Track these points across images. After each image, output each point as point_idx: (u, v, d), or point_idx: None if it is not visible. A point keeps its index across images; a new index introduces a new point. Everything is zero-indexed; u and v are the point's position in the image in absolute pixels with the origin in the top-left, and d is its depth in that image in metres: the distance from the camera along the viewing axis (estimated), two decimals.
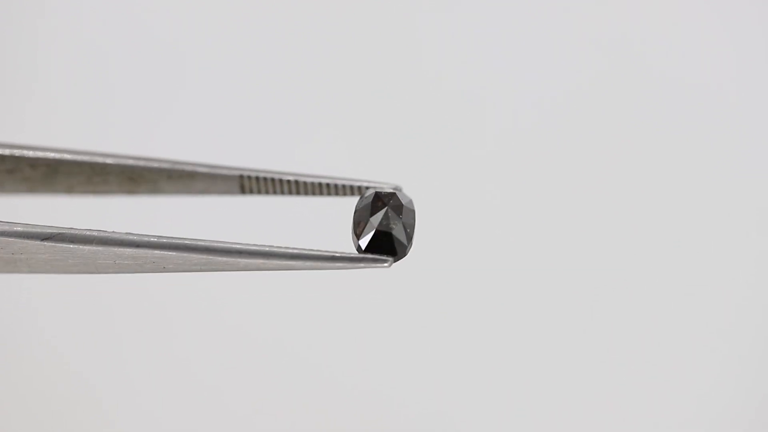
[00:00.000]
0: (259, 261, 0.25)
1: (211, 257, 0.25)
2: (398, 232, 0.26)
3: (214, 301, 0.57)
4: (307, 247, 0.25)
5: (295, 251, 0.25)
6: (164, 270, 0.26)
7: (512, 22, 0.58)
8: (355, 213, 0.26)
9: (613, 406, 0.57)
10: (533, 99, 0.58)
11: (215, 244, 0.25)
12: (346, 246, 0.26)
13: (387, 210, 0.26)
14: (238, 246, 0.25)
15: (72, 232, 0.25)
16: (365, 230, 0.26)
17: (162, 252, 0.25)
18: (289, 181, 0.29)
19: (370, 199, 0.26)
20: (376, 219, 0.26)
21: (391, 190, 0.27)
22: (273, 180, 0.29)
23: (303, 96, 0.58)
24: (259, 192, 0.29)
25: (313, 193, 0.30)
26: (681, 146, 0.58)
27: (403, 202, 0.26)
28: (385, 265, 0.26)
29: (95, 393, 0.57)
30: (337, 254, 0.25)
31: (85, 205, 0.55)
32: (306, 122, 0.58)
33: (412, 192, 0.28)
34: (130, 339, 0.57)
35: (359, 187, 0.29)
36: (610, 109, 0.58)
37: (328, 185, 0.29)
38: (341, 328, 0.58)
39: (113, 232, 0.25)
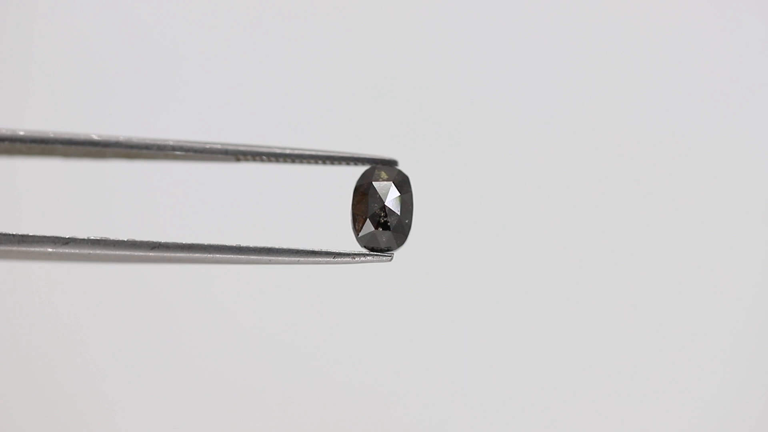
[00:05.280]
0: (265, 258, 0.26)
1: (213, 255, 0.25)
2: (395, 228, 0.26)
3: (216, 294, 0.57)
4: (311, 244, 0.26)
5: (298, 249, 0.25)
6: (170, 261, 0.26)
7: (516, 24, 0.58)
8: (353, 206, 0.26)
9: (613, 407, 0.58)
10: (534, 100, 0.58)
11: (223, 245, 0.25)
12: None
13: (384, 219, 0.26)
14: (245, 246, 0.25)
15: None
16: (364, 227, 0.26)
17: (174, 253, 0.25)
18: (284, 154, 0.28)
19: (367, 192, 0.26)
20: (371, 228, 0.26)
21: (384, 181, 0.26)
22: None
23: (303, 92, 0.58)
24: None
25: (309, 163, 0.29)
26: (682, 148, 0.58)
27: (400, 194, 0.26)
28: (387, 259, 0.26)
29: (101, 387, 0.57)
30: (340, 252, 0.25)
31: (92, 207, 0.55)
32: (305, 117, 0.58)
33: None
34: (132, 334, 0.57)
35: (356, 159, 0.28)
36: (610, 109, 0.58)
37: (325, 158, 0.28)
38: (340, 320, 0.58)
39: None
